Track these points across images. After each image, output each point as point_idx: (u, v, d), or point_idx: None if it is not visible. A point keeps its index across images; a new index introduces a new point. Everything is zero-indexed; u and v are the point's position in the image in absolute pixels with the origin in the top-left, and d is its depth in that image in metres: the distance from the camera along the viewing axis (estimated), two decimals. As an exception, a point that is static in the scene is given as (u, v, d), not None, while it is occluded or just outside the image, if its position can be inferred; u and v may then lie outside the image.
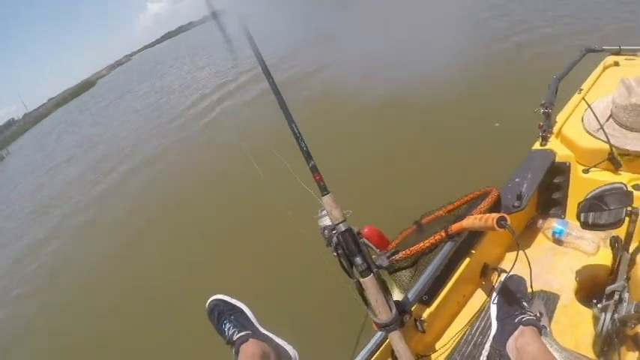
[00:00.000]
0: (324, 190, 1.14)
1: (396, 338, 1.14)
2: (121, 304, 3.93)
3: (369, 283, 1.12)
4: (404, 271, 1.60)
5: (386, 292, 1.15)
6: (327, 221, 1.16)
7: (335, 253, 1.15)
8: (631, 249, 1.30)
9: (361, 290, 1.15)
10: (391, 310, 1.13)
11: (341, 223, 1.13)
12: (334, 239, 1.13)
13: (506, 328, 1.24)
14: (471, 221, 1.28)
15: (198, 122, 9.38)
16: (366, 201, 3.27)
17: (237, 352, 1.30)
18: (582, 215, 1.30)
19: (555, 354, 1.17)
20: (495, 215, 1.14)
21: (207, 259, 3.75)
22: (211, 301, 1.49)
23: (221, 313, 1.44)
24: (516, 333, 1.20)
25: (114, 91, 30.35)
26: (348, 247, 1.12)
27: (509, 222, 1.13)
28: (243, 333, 1.34)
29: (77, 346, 3.70)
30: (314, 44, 10.86)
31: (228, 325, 1.40)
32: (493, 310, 1.35)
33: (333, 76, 7.17)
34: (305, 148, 1.14)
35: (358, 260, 1.12)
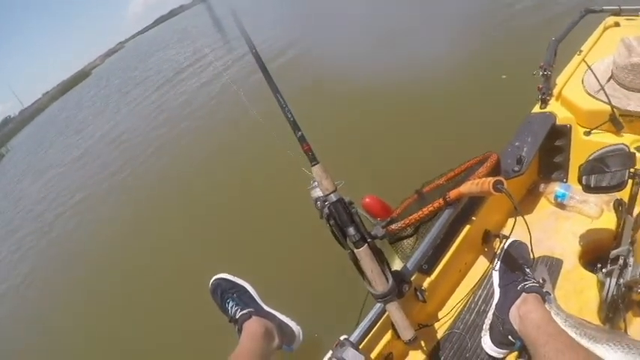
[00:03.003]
0: (313, 161, 1.10)
1: (393, 309, 1.11)
2: (120, 283, 3.95)
3: (363, 253, 1.09)
4: (405, 240, 1.58)
5: (382, 262, 1.12)
6: (318, 192, 1.12)
7: (327, 225, 1.12)
8: (635, 212, 1.26)
9: (356, 261, 1.12)
10: (387, 281, 1.10)
11: (332, 193, 1.09)
12: (325, 210, 1.10)
13: (509, 295, 1.22)
14: (468, 187, 1.25)
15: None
16: (367, 170, 3.25)
17: (239, 330, 1.32)
18: (584, 178, 1.26)
19: (559, 320, 1.15)
20: (491, 179, 1.11)
21: (208, 239, 3.73)
22: (214, 280, 1.52)
23: (224, 292, 1.47)
24: (519, 301, 1.17)
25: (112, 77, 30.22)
26: (340, 218, 1.09)
27: (506, 185, 1.10)
28: (245, 311, 1.36)
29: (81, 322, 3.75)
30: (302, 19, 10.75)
31: (231, 304, 1.42)
32: (495, 277, 1.32)
33: (323, 42, 7.06)
34: (292, 119, 1.11)
35: (351, 231, 1.09)
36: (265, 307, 1.51)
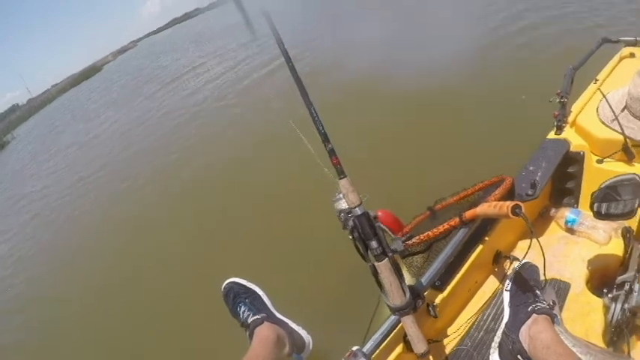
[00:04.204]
0: (341, 174, 1.13)
1: (409, 322, 1.14)
2: (133, 282, 3.96)
3: (383, 267, 1.12)
4: (417, 255, 1.62)
5: (400, 276, 1.15)
6: (343, 205, 1.16)
7: (350, 237, 1.15)
8: (642, 240, 1.30)
9: (376, 274, 1.15)
10: (405, 295, 1.14)
11: (357, 206, 1.13)
12: (350, 222, 1.13)
13: (519, 315, 1.24)
14: (485, 208, 1.28)
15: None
16: (380, 185, 3.26)
17: (251, 335, 1.31)
18: (595, 205, 1.30)
19: (566, 342, 1.18)
20: (510, 203, 1.14)
21: (223, 242, 3.76)
22: (227, 283, 1.50)
23: (236, 296, 1.45)
24: (530, 321, 1.20)
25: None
26: (364, 231, 1.12)
27: (523, 210, 1.13)
28: (257, 316, 1.35)
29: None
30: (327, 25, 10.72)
31: (243, 308, 1.41)
32: (506, 297, 1.35)
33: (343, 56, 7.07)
34: (323, 131, 1.14)
35: (374, 244, 1.12)
36: (277, 314, 1.50)
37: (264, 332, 1.29)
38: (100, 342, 3.35)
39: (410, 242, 1.41)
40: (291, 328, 1.46)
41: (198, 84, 11.97)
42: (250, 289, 1.50)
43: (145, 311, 3.38)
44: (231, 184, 4.88)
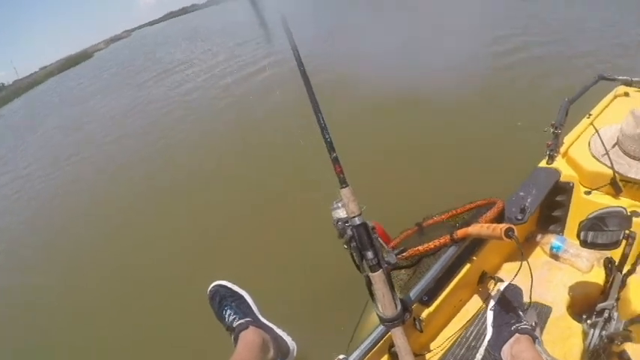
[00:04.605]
0: (343, 183, 1.14)
1: (398, 334, 1.15)
2: (118, 283, 3.85)
3: (377, 278, 1.13)
4: (402, 270, 1.65)
5: (392, 288, 1.17)
6: (341, 213, 1.16)
7: (346, 246, 1.16)
8: (624, 270, 1.35)
9: (369, 285, 1.16)
10: (396, 307, 1.15)
11: (356, 216, 1.13)
12: (348, 232, 1.14)
13: (502, 334, 1.28)
14: (478, 229, 1.32)
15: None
16: (369, 195, 3.28)
17: (236, 339, 1.30)
18: (582, 233, 1.34)
19: (546, 363, 1.22)
20: (503, 226, 1.17)
21: (211, 246, 3.73)
22: (213, 286, 1.49)
23: (222, 299, 1.44)
24: (512, 340, 1.24)
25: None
26: (361, 241, 1.13)
27: (516, 233, 1.17)
28: (243, 320, 1.35)
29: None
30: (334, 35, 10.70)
31: (228, 312, 1.40)
32: (490, 316, 1.39)
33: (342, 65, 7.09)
34: (329, 140, 1.14)
35: (369, 255, 1.12)
36: (262, 319, 1.48)
37: (250, 337, 1.29)
38: (85, 324, 3.31)
39: (402, 255, 1.43)
40: (276, 333, 1.45)
41: (192, 77, 11.88)
42: (237, 292, 1.49)
43: (134, 301, 3.35)
44: (228, 180, 4.86)
